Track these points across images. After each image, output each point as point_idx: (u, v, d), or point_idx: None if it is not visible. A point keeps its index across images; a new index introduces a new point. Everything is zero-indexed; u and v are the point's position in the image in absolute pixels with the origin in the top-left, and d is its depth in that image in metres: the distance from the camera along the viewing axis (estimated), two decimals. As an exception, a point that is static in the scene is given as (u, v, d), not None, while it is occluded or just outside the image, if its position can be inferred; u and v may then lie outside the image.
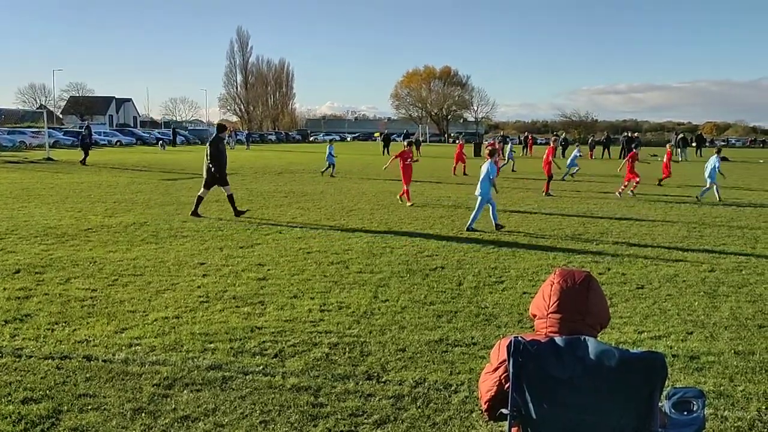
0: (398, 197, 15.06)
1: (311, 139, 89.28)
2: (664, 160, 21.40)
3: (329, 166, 23.57)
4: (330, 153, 23.69)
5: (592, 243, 9.97)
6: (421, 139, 52.14)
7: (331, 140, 26.29)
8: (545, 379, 2.12)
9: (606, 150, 43.50)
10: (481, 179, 11.22)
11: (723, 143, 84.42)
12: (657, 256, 8.91)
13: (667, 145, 23.33)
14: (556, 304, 2.27)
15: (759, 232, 11.20)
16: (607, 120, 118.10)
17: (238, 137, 62.03)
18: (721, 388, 4.38)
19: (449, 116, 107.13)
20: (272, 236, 10.16)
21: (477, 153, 44.05)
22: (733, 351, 5.11)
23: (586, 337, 2.15)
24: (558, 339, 2.16)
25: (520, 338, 2.16)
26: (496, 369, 2.30)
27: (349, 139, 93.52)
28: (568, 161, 24.46)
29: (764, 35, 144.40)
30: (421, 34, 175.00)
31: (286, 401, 4.07)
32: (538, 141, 51.85)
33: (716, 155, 17.56)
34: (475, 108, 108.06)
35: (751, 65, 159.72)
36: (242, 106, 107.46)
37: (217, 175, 12.18)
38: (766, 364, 4.84)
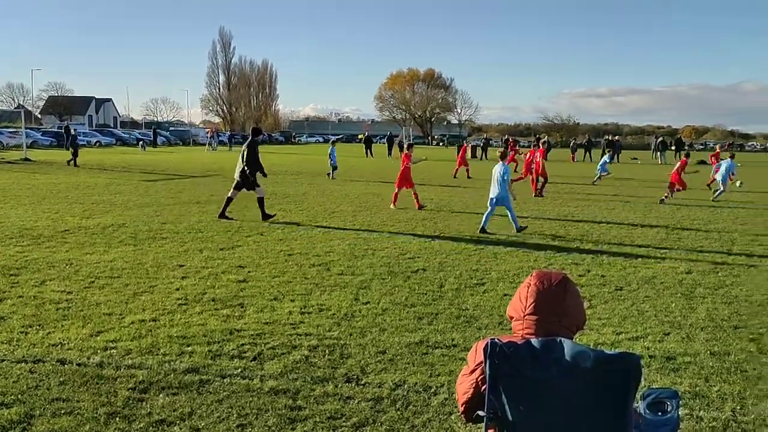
0: (416, 207, 14.33)
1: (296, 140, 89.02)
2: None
3: (334, 169, 23.36)
4: (332, 155, 23.50)
5: (572, 245, 10.03)
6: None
7: (333, 141, 25.98)
8: (521, 380, 2.12)
9: (587, 153, 43.88)
10: (497, 182, 11.18)
11: (701, 147, 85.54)
12: (636, 258, 8.99)
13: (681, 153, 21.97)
14: (532, 305, 2.28)
15: (735, 235, 11.35)
16: (589, 123, 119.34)
17: (220, 138, 61.62)
18: (697, 388, 4.42)
19: (433, 119, 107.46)
20: (253, 238, 10.10)
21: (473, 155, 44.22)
22: (708, 352, 5.16)
23: (562, 339, 2.15)
24: (534, 341, 2.16)
25: (496, 340, 2.16)
26: (473, 371, 2.29)
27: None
28: (599, 166, 24.04)
29: (742, 39, 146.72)
30: (406, 36, 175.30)
31: (264, 405, 4.04)
32: (521, 144, 52.09)
33: (730, 159, 18.63)
34: (459, 111, 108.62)
35: (729, 70, 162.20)
36: (225, 107, 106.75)
37: (251, 179, 12.14)
38: (740, 364, 4.89)
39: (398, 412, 3.96)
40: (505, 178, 11.23)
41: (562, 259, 8.91)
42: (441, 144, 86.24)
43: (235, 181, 12.37)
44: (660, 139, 48.14)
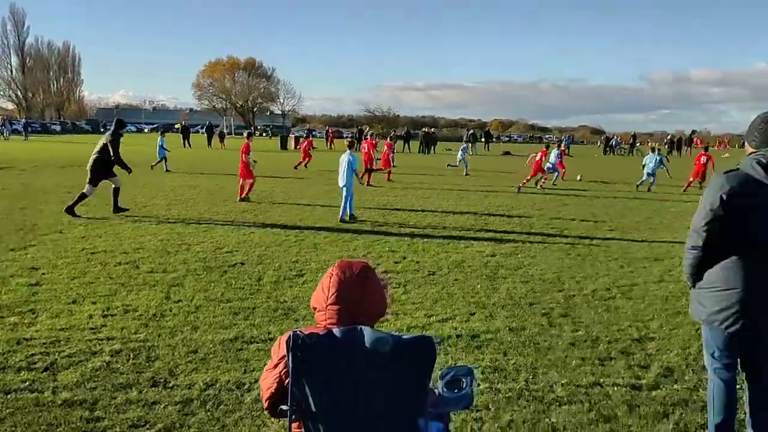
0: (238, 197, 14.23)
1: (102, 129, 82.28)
2: (538, 158, 19.46)
3: (161, 160, 22.17)
4: (161, 146, 22.30)
5: (392, 232, 10.38)
6: (226, 131, 50.45)
7: (162, 131, 24.38)
8: (323, 371, 2.11)
9: (406, 144, 45.79)
10: (343, 170, 11.53)
11: (507, 139, 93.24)
12: (448, 244, 9.53)
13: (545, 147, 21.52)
14: (334, 295, 2.26)
15: (533, 220, 12.49)
16: (408, 115, 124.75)
17: (13, 126, 55.21)
18: (497, 362, 4.77)
19: (255, 108, 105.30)
20: (51, 236, 9.15)
21: (283, 146, 43.95)
22: (507, 328, 5.60)
23: (363, 327, 2.17)
24: (336, 330, 2.16)
25: (298, 332, 2.12)
26: (276, 365, 2.24)
27: (146, 130, 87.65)
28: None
29: (541, 39, 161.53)
30: (225, 24, 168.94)
31: (56, 419, 3.65)
32: (345, 135, 53.01)
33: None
34: (282, 101, 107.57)
35: (531, 68, 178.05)
36: (19, 92, 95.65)
37: (109, 169, 11.31)
38: (533, 338, 5.37)
39: (208, 413, 3.80)
40: (354, 168, 11.55)
41: (380, 247, 9.17)
42: (264, 134, 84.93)
43: (89, 175, 11.10)
44: (471, 131, 51.68)
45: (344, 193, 11.60)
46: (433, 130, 51.44)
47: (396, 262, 8.15)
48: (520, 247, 9.47)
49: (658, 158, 20.33)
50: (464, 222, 11.93)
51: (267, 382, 2.27)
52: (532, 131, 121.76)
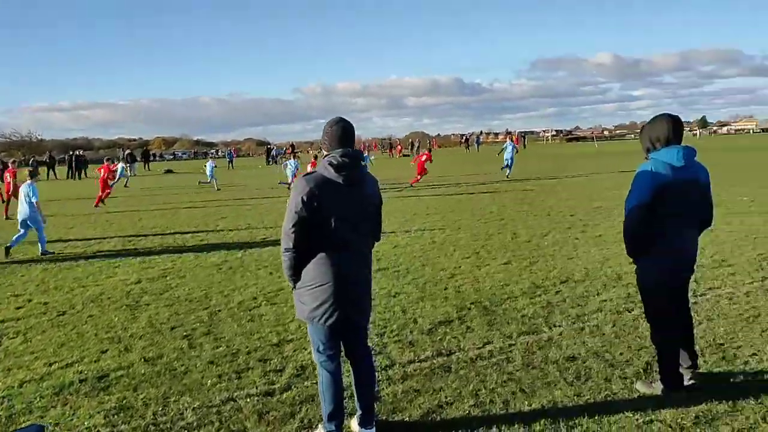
0: None
1: None
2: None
3: None
4: None
5: (16, 272, 8.96)
6: None
7: None
8: None
9: (51, 170, 40.98)
10: (24, 203, 10.38)
11: (171, 156, 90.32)
12: (86, 278, 8.60)
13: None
14: None
15: (187, 237, 12.10)
16: (57, 138, 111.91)
17: None
18: (124, 401, 4.35)
19: None
20: None
21: None
22: (143, 359, 5.20)
23: None
24: None
25: None
26: None
27: None
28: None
29: (196, 56, 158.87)
30: None
31: None
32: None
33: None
34: None
35: (185, 85, 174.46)
36: None
37: None
38: (170, 364, 5.06)
39: None
40: (33, 199, 10.28)
41: (0, 292, 7.84)
42: None
43: None
44: (128, 151, 48.61)
45: (23, 228, 10.51)
46: (82, 152, 46.98)
47: (18, 308, 7.03)
48: (171, 268, 9.04)
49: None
50: (111, 247, 10.98)
51: None
52: (197, 146, 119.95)
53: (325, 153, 3.49)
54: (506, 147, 24.38)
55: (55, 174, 40.61)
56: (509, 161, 23.68)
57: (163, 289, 7.76)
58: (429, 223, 12.60)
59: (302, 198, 3.34)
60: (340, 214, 3.41)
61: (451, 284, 7.35)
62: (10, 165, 18.79)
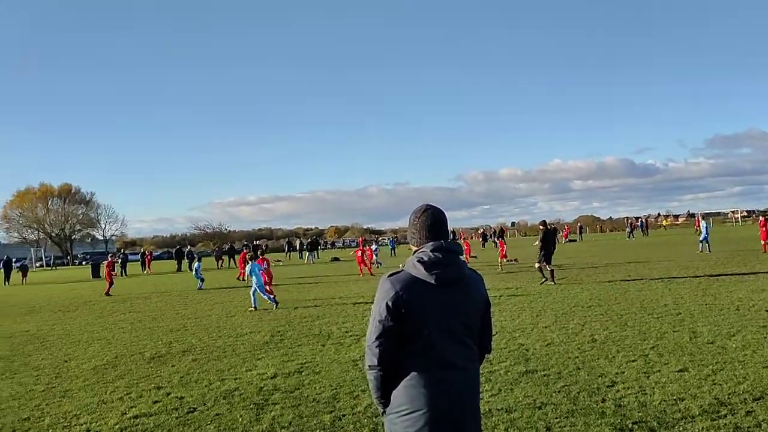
0: None
1: None
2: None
3: None
4: None
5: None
6: (29, 264, 45.75)
7: None
8: None
9: (231, 258, 44.78)
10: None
11: (341, 244, 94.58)
12: (226, 369, 8.59)
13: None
14: None
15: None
16: (244, 229, 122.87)
17: None
18: None
19: (74, 236, 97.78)
20: None
21: (95, 274, 40.66)
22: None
23: None
24: None
25: None
26: None
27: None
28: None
29: (366, 149, 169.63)
30: (35, 148, 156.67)
31: None
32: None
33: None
34: (104, 226, 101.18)
35: (356, 177, 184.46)
36: None
37: None
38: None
39: None
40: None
41: None
42: (84, 263, 78.67)
43: None
44: (309, 240, 51.96)
45: None
46: (258, 242, 50.79)
47: (155, 402, 7.06)
48: (309, 362, 8.77)
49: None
50: (260, 338, 11.06)
51: None
52: (367, 234, 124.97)
53: (414, 249, 2.93)
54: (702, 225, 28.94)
55: (235, 262, 44.03)
56: (705, 237, 27.92)
57: (295, 386, 7.44)
58: (590, 316, 11.30)
59: (387, 304, 2.78)
60: (435, 322, 2.79)
61: (611, 395, 6.22)
62: (109, 258, 21.76)
